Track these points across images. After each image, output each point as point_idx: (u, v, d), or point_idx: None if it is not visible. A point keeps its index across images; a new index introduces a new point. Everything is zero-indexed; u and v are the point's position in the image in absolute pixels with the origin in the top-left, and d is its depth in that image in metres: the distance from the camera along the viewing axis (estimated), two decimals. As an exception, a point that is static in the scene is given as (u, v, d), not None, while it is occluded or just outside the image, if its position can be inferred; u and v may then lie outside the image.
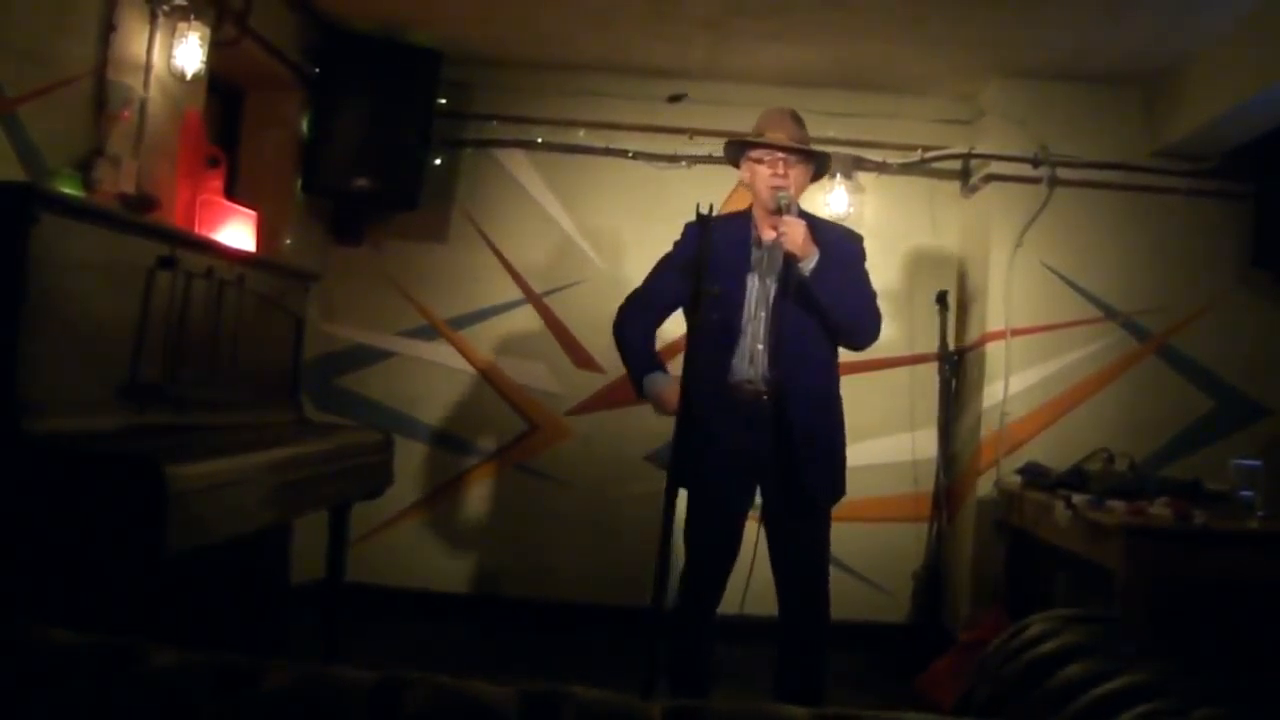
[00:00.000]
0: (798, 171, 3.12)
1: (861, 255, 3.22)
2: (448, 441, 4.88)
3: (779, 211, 3.03)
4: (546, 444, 4.89)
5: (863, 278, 3.21)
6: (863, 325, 3.18)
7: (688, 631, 3.16)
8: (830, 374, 3.21)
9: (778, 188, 3.07)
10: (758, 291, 3.12)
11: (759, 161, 3.12)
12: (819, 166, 3.24)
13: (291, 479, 2.75)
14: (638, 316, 3.30)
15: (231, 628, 3.33)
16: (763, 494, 3.15)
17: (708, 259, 2.70)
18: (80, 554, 2.07)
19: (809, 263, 3.01)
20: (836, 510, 3.20)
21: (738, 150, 3.21)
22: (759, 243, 3.16)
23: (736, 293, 3.11)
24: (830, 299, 3.04)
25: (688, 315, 2.89)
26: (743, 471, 3.12)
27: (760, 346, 3.08)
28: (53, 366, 2.24)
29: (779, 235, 3.00)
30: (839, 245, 3.13)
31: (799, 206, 3.15)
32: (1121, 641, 1.23)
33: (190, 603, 2.89)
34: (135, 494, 2.06)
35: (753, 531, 3.11)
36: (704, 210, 2.74)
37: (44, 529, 2.08)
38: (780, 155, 3.09)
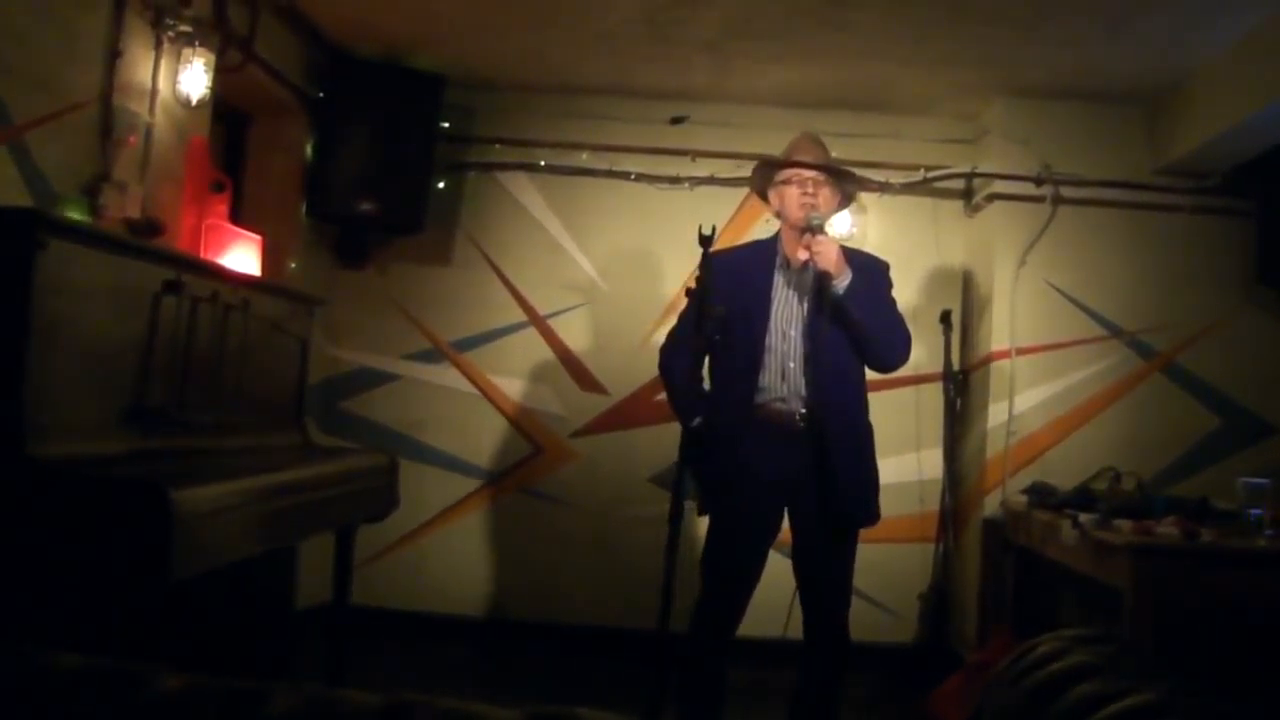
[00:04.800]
0: (826, 194, 3.14)
1: (889, 281, 3.25)
2: (452, 464, 4.88)
3: (810, 231, 3.04)
4: (551, 466, 4.89)
5: (892, 302, 3.23)
6: (896, 344, 3.18)
7: (703, 659, 3.12)
8: (863, 394, 3.21)
9: (809, 205, 3.08)
10: (784, 311, 3.12)
11: (788, 183, 3.15)
12: (845, 195, 3.26)
13: (297, 502, 2.75)
14: (678, 356, 3.22)
15: (236, 651, 3.33)
16: (793, 517, 3.12)
17: (710, 280, 2.71)
18: (86, 578, 2.07)
19: (843, 281, 3.02)
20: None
21: (765, 176, 3.23)
22: (786, 264, 3.17)
23: (761, 313, 3.11)
24: (865, 317, 3.06)
25: (693, 336, 2.91)
26: (775, 496, 3.09)
27: (792, 364, 3.07)
28: (59, 391, 2.24)
29: (813, 254, 3.01)
30: (867, 269, 3.16)
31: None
32: (1129, 661, 1.22)
33: (195, 626, 2.89)
34: (141, 518, 2.05)
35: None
36: (705, 232, 2.76)
37: (49, 553, 2.08)
38: (810, 175, 3.11)
